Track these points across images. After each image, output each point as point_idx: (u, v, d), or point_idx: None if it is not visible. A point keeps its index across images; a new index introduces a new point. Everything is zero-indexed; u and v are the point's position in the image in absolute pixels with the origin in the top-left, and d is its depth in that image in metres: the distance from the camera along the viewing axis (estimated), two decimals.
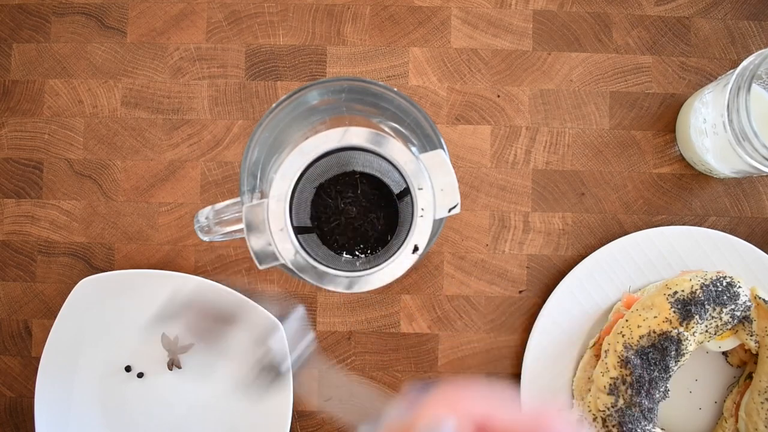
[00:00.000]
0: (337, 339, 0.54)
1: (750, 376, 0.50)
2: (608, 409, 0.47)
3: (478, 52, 0.55)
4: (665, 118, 0.55)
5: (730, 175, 0.51)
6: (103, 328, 0.53)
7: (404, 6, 0.55)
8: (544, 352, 0.52)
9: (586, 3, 0.55)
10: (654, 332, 0.46)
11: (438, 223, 0.38)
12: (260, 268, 0.35)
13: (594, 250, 0.54)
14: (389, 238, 0.41)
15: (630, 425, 0.46)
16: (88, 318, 0.52)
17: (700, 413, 0.52)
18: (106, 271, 0.54)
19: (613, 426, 0.47)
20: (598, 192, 0.55)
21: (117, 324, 0.53)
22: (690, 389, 0.52)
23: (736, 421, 0.50)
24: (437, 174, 0.34)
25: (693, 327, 0.46)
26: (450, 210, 0.34)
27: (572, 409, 0.52)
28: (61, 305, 0.53)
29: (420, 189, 0.34)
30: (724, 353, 0.52)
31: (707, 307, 0.46)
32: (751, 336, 0.48)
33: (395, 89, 0.38)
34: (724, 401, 0.52)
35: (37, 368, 0.54)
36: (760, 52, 0.43)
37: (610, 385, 0.47)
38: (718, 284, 0.47)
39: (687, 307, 0.46)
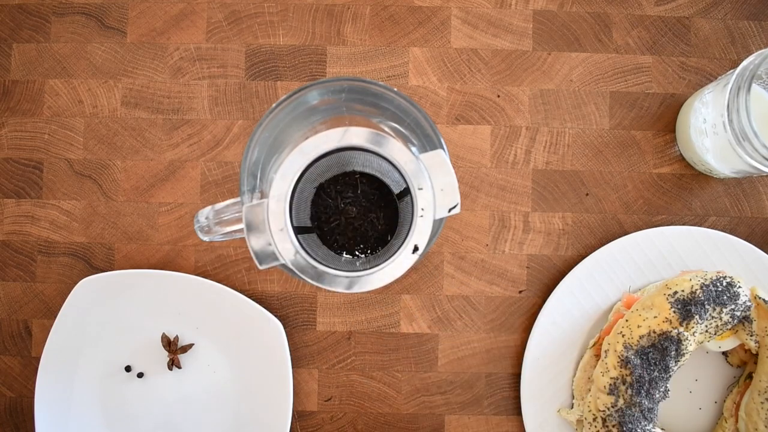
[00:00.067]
0: (337, 339, 0.54)
1: (750, 376, 0.50)
2: (608, 409, 0.47)
3: (478, 52, 0.55)
4: (665, 118, 0.55)
5: (730, 175, 0.51)
6: (103, 328, 0.53)
7: (404, 6, 0.55)
8: (544, 352, 0.52)
9: (586, 3, 0.55)
10: (654, 332, 0.46)
11: (438, 223, 0.38)
12: (260, 268, 0.35)
13: (594, 250, 0.54)
14: (389, 238, 0.41)
15: (630, 425, 0.46)
16: (88, 318, 0.52)
17: (700, 413, 0.52)
18: (106, 271, 0.54)
19: (613, 426, 0.47)
20: (598, 192, 0.55)
21: (117, 324, 0.53)
22: (690, 389, 0.52)
23: (736, 421, 0.50)
24: (437, 174, 0.34)
25: (693, 327, 0.46)
26: (450, 210, 0.34)
27: (572, 409, 0.52)
28: (61, 305, 0.53)
29: (420, 189, 0.34)
30: (724, 353, 0.52)
31: (707, 307, 0.46)
32: (751, 336, 0.48)
33: (395, 89, 0.38)
34: (724, 401, 0.52)
35: (37, 368, 0.54)
36: (760, 52, 0.43)
37: (610, 385, 0.47)
38: (718, 284, 0.47)
39: (687, 307, 0.46)
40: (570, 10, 0.55)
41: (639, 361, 0.46)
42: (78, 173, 0.55)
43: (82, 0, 0.55)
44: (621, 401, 0.47)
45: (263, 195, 0.38)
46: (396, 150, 0.34)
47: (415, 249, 0.34)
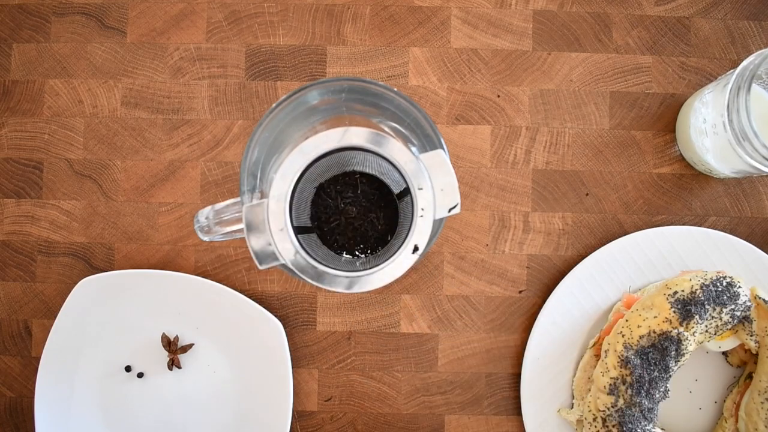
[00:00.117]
0: (337, 339, 0.54)
1: (750, 376, 0.50)
2: (608, 409, 0.47)
3: (478, 52, 0.55)
4: (665, 118, 0.55)
5: (730, 175, 0.51)
6: (103, 328, 0.53)
7: (404, 6, 0.55)
8: (544, 352, 0.52)
9: (586, 3, 0.55)
10: (654, 332, 0.46)
11: (438, 223, 0.38)
12: (260, 268, 0.35)
13: (594, 250, 0.54)
14: (389, 238, 0.41)
15: (630, 425, 0.46)
16: (88, 318, 0.52)
17: (700, 413, 0.52)
18: (106, 271, 0.54)
19: (613, 426, 0.47)
20: (598, 192, 0.55)
21: (117, 324, 0.53)
22: (690, 389, 0.52)
23: (736, 421, 0.50)
24: (437, 174, 0.34)
25: (693, 327, 0.46)
26: (450, 210, 0.34)
27: (572, 409, 0.52)
28: (61, 305, 0.53)
29: (420, 189, 0.34)
30: (724, 353, 0.52)
31: (707, 307, 0.46)
32: (751, 336, 0.48)
33: (395, 89, 0.38)
34: (724, 401, 0.52)
35: (37, 368, 0.54)
36: (760, 52, 0.43)
37: (610, 385, 0.47)
38: (718, 284, 0.47)
39: (687, 307, 0.46)
40: (570, 10, 0.55)
41: (639, 361, 0.46)
42: (78, 173, 0.55)
43: (82, 0, 0.55)
44: (621, 401, 0.47)
45: (263, 195, 0.38)
46: (396, 150, 0.34)
47: (415, 249, 0.34)
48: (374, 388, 0.54)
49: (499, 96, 0.55)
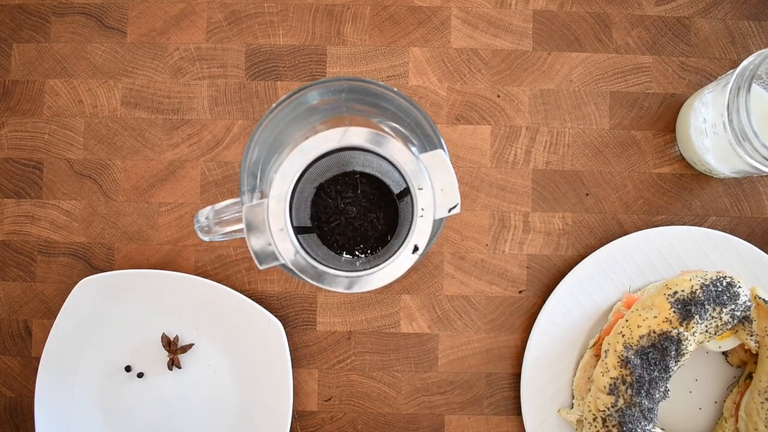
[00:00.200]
0: (337, 339, 0.54)
1: (750, 376, 0.50)
2: (608, 409, 0.47)
3: (478, 52, 0.55)
4: (665, 118, 0.55)
5: (730, 175, 0.51)
6: (103, 328, 0.53)
7: (404, 6, 0.55)
8: (544, 352, 0.52)
9: (586, 3, 0.55)
10: (654, 332, 0.46)
11: (438, 223, 0.38)
12: (260, 268, 0.35)
13: (594, 250, 0.54)
14: (389, 238, 0.41)
15: (630, 425, 0.46)
16: (88, 318, 0.52)
17: (700, 413, 0.52)
18: (106, 271, 0.54)
19: (613, 426, 0.47)
20: (598, 192, 0.55)
21: (117, 324, 0.53)
22: (690, 389, 0.52)
23: (736, 421, 0.50)
24: (437, 174, 0.34)
25: (693, 327, 0.46)
26: (450, 210, 0.34)
27: (572, 409, 0.52)
28: (61, 305, 0.53)
29: (420, 189, 0.34)
30: (724, 353, 0.52)
31: (707, 307, 0.46)
32: (751, 336, 0.48)
33: (395, 89, 0.38)
34: (724, 401, 0.52)
35: (37, 368, 0.54)
36: (760, 52, 0.43)
37: (610, 385, 0.47)
38: (718, 284, 0.47)
39: (687, 307, 0.46)
40: (570, 10, 0.55)
41: (639, 361, 0.46)
42: (78, 173, 0.55)
43: (82, 0, 0.55)
44: (621, 401, 0.47)
45: (263, 195, 0.38)
46: (396, 150, 0.34)
47: (415, 249, 0.34)
48: (374, 388, 0.54)
49: (499, 96, 0.55)
